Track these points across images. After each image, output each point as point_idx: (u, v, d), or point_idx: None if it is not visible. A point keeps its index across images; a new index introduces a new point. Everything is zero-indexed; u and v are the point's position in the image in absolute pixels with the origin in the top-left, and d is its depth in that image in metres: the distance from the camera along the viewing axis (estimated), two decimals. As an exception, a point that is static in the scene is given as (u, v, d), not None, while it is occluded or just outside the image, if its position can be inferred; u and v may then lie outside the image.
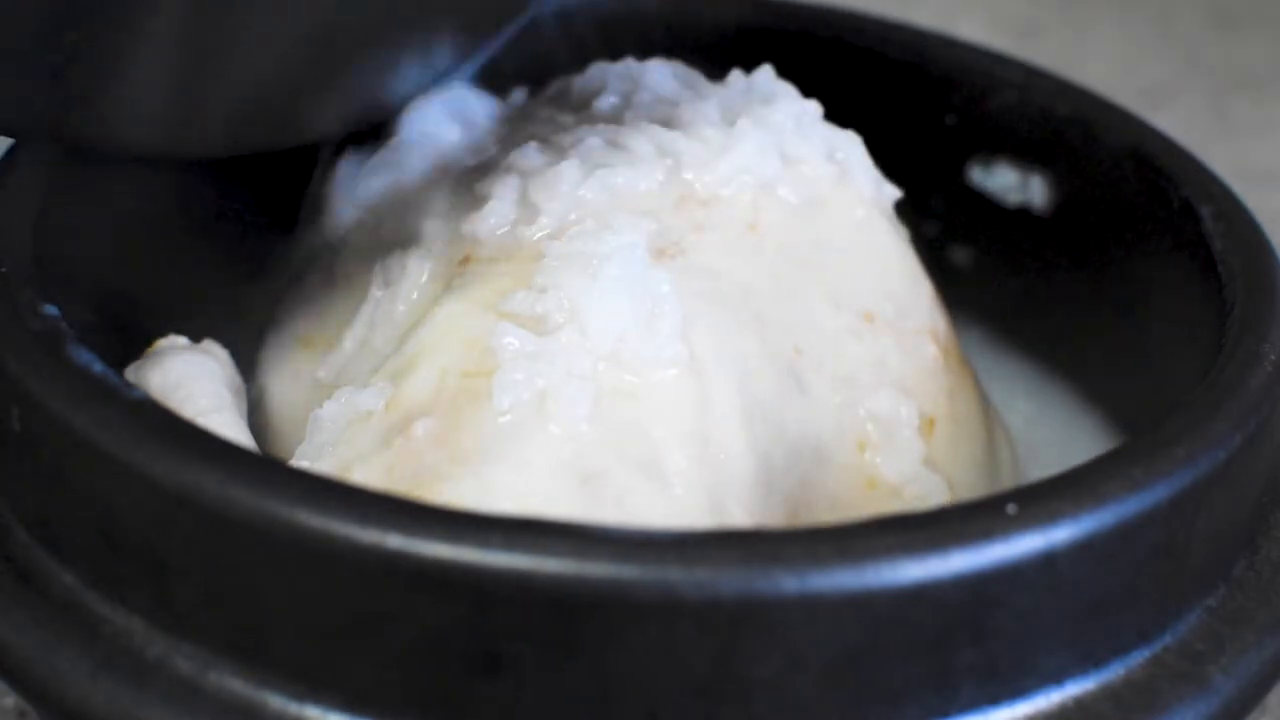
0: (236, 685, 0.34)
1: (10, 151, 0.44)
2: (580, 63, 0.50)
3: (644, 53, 0.50)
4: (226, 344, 0.44)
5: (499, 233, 0.43)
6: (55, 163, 0.44)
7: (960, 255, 0.54)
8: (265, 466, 0.36)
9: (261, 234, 0.49)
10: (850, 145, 0.46)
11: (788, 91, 0.47)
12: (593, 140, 0.44)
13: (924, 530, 0.34)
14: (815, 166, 0.45)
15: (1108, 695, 0.36)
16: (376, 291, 0.43)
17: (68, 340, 0.38)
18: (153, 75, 0.39)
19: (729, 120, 0.45)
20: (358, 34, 0.40)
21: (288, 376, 0.45)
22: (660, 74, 0.48)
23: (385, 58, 0.42)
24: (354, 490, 0.35)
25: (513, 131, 0.47)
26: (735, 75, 0.48)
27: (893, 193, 0.47)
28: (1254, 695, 0.37)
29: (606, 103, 0.47)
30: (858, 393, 0.43)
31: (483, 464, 0.38)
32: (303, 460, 0.41)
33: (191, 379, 0.42)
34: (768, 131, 0.45)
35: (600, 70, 0.49)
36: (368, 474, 0.39)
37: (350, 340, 0.43)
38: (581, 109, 0.47)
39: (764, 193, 0.44)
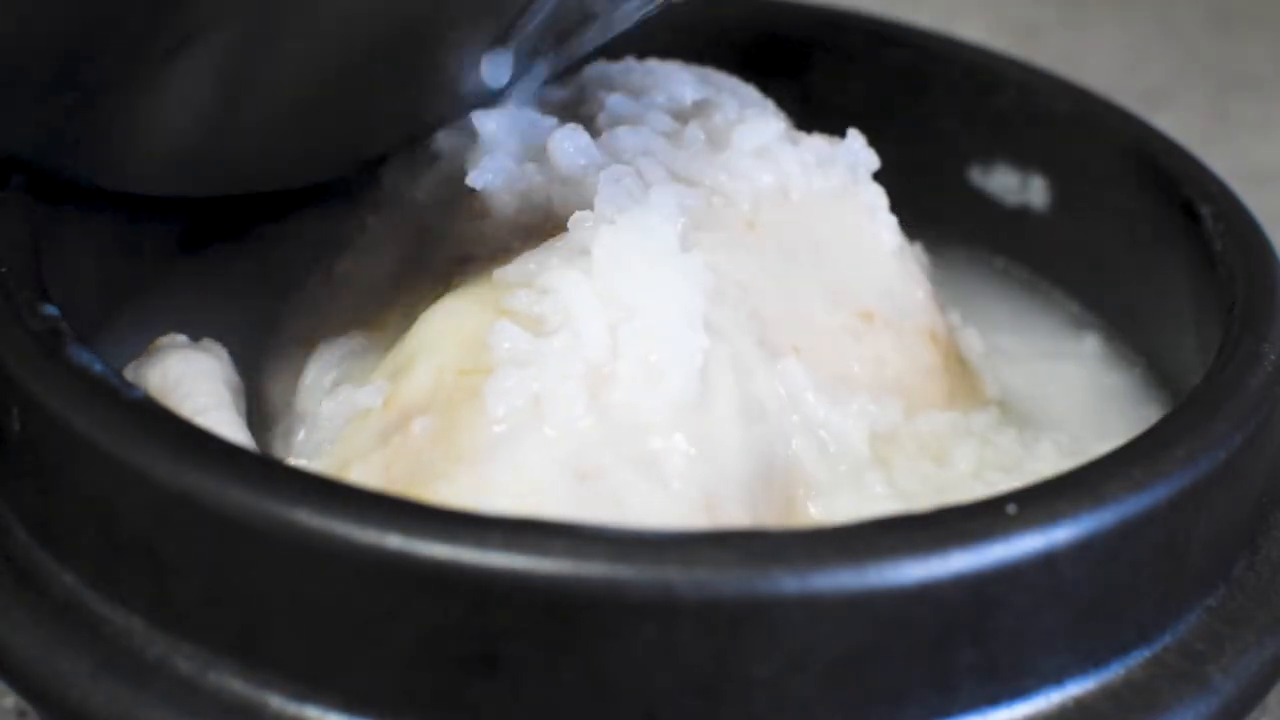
0: (236, 685, 0.34)
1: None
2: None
3: (644, 53, 0.50)
4: (226, 342, 0.44)
5: (499, 233, 0.43)
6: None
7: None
8: (265, 466, 0.36)
9: (260, 233, 0.49)
10: (848, 146, 0.47)
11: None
12: (589, 140, 0.44)
13: (924, 530, 0.34)
14: (813, 167, 0.45)
15: (1108, 695, 0.36)
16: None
17: (68, 340, 0.38)
18: (169, 120, 0.39)
19: (728, 123, 0.45)
20: (382, 82, 0.40)
21: (287, 375, 0.45)
22: (667, 75, 0.48)
23: (406, 101, 0.42)
24: (353, 490, 0.35)
25: (515, 133, 0.46)
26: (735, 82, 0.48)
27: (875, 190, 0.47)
28: (1254, 695, 0.37)
29: (611, 103, 0.47)
30: (856, 391, 0.43)
31: (480, 462, 0.38)
32: (301, 458, 0.41)
33: (191, 377, 0.42)
34: (767, 133, 0.45)
35: (600, 70, 0.49)
36: (366, 472, 0.39)
37: None
38: (580, 108, 0.47)
39: (763, 193, 0.44)
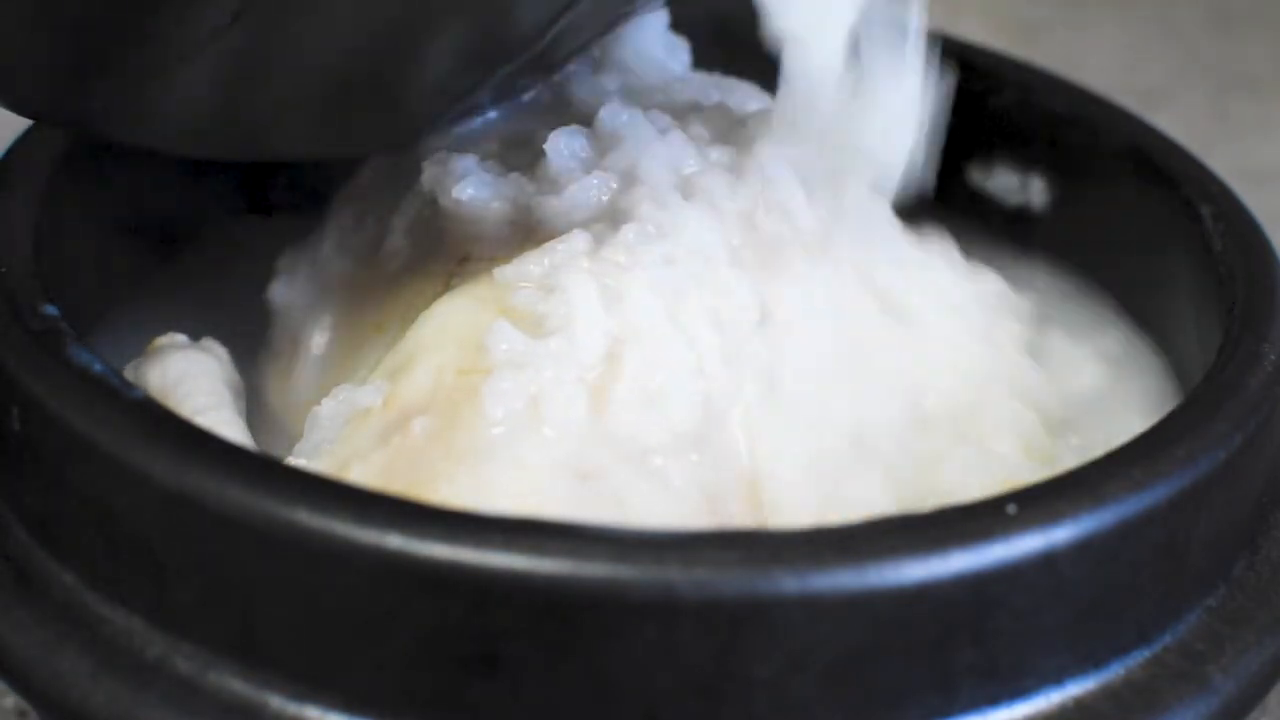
0: (236, 685, 0.34)
1: (10, 151, 0.44)
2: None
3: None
4: (225, 342, 0.44)
5: (499, 234, 0.43)
6: (55, 162, 0.44)
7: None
8: (265, 466, 0.36)
9: (260, 233, 0.49)
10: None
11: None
12: (586, 141, 0.44)
13: (924, 530, 0.34)
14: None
15: (1108, 695, 0.36)
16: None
17: (68, 340, 0.38)
18: (197, 75, 0.39)
19: (724, 122, 0.45)
20: (403, 49, 0.40)
21: (286, 375, 0.45)
22: (664, 75, 0.48)
23: (432, 73, 0.41)
24: (353, 490, 0.35)
25: (511, 133, 0.46)
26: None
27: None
28: (1254, 695, 0.37)
29: (608, 102, 0.47)
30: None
31: (480, 462, 0.38)
32: (300, 458, 0.41)
33: (191, 376, 0.42)
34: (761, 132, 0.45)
35: (593, 70, 0.49)
36: (365, 472, 0.39)
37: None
38: (572, 109, 0.47)
39: (761, 191, 0.44)
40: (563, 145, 0.43)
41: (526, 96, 0.47)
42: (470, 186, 0.43)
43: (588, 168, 0.43)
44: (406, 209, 0.45)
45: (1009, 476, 0.41)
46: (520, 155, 0.45)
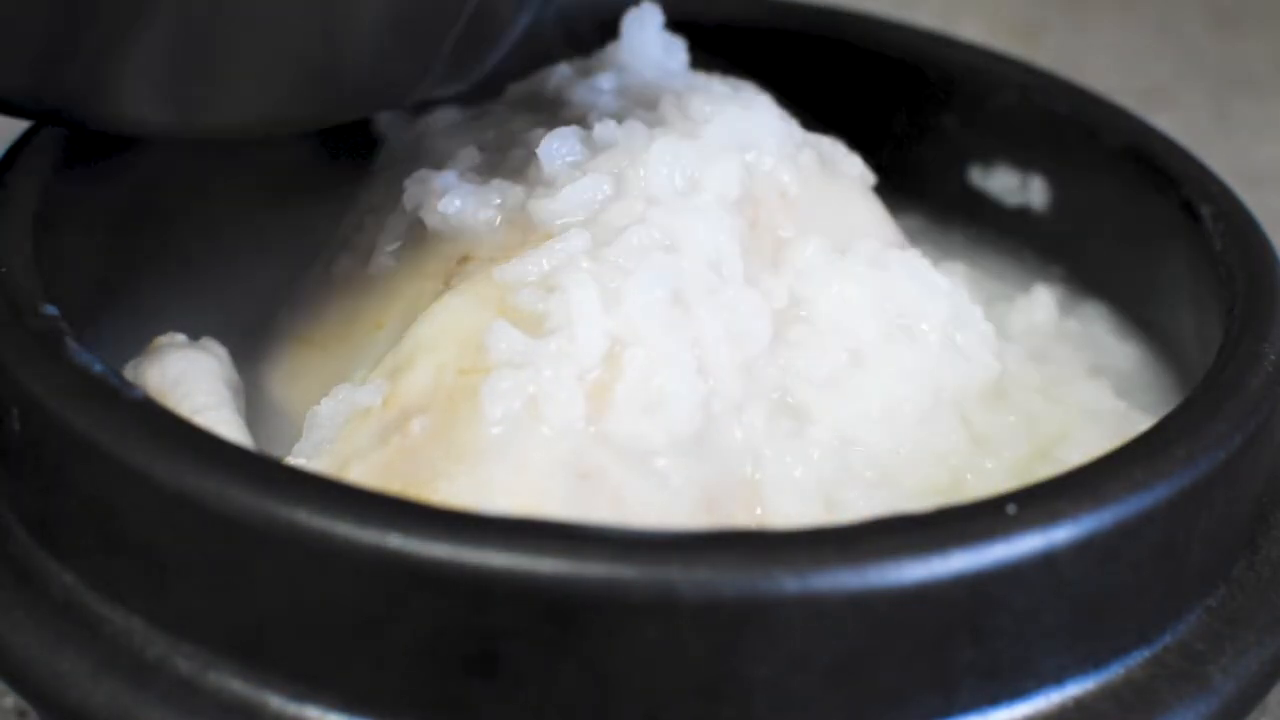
0: (236, 685, 0.34)
1: (9, 151, 0.44)
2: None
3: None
4: (225, 341, 0.44)
5: (498, 234, 0.43)
6: (55, 162, 0.44)
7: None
8: (265, 466, 0.36)
9: (259, 232, 0.49)
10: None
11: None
12: (579, 143, 0.44)
13: (924, 530, 0.34)
14: (805, 161, 0.45)
15: (1108, 695, 0.36)
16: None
17: (68, 340, 0.38)
18: (161, 50, 0.38)
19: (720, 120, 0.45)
20: (369, 18, 0.40)
21: (285, 374, 0.45)
22: (654, 74, 0.48)
23: (395, 45, 0.41)
24: (353, 490, 0.35)
25: (492, 140, 0.46)
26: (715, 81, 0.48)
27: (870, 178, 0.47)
28: (1254, 695, 0.37)
29: (601, 103, 0.47)
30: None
31: (480, 462, 0.38)
32: (300, 457, 0.41)
33: (190, 376, 0.42)
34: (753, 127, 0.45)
35: (578, 71, 0.49)
36: (365, 471, 0.39)
37: None
38: (564, 105, 0.47)
39: (763, 185, 0.44)
40: (555, 147, 0.43)
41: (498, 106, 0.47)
42: (456, 199, 0.43)
43: (582, 169, 0.43)
44: (393, 229, 0.45)
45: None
46: (508, 159, 0.45)
